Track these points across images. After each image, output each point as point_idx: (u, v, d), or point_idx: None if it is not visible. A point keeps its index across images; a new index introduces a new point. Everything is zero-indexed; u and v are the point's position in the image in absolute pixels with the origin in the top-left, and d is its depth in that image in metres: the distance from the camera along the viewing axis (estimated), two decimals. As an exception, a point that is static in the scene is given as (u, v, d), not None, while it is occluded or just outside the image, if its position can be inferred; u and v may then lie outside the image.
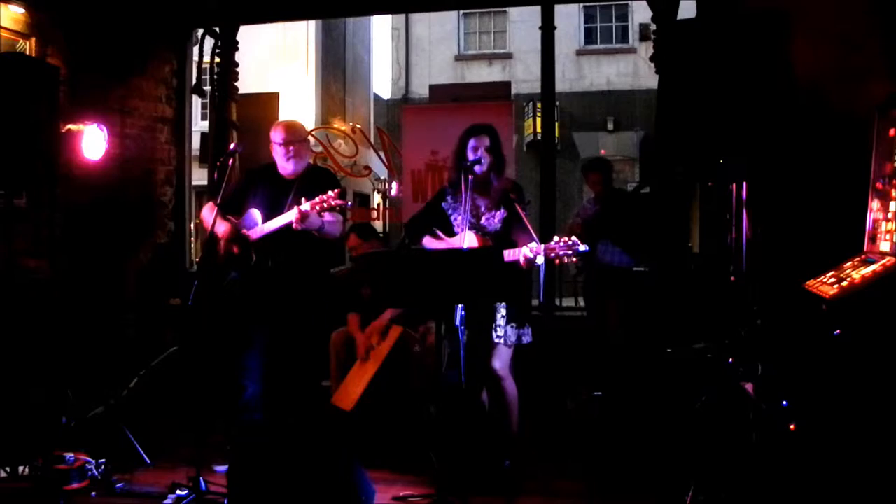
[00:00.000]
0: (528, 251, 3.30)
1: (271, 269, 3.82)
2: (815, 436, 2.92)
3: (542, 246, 3.28)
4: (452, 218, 3.67)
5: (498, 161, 3.63)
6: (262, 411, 3.89)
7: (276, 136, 3.87)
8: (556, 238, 3.28)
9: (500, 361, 3.55)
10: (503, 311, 3.52)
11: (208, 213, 3.88)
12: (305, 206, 3.49)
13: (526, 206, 3.58)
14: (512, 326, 3.53)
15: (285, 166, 3.87)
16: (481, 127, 3.67)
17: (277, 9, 6.28)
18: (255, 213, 3.84)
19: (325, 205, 3.48)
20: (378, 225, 9.46)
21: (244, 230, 3.84)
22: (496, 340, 3.51)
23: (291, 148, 3.83)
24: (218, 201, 3.65)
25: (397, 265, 3.17)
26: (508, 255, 3.35)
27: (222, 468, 3.67)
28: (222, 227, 3.83)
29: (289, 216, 3.59)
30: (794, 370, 3.21)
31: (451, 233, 3.63)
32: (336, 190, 3.49)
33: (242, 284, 3.88)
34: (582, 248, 3.24)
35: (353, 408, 4.32)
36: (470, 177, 3.51)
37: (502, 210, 3.57)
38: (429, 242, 3.65)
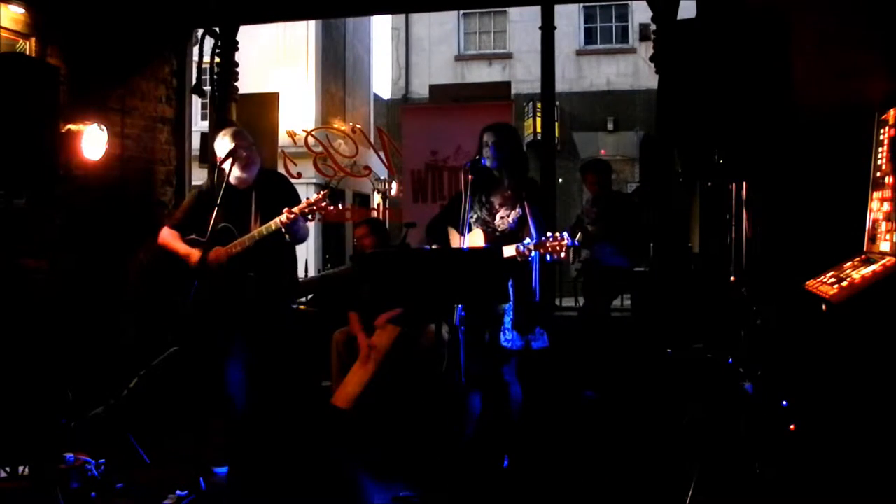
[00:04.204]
0: (521, 245, 3.31)
1: (251, 280, 3.67)
2: (816, 436, 2.92)
3: (533, 241, 3.30)
4: (468, 216, 3.67)
5: (506, 159, 3.59)
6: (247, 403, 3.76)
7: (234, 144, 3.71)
8: (548, 233, 3.29)
9: (506, 366, 3.54)
10: (511, 315, 3.50)
11: (168, 235, 3.83)
12: (295, 209, 3.45)
13: (538, 205, 3.53)
14: (517, 332, 3.50)
15: (241, 175, 3.71)
16: (493, 124, 3.70)
17: (277, 9, 6.28)
18: (229, 228, 3.69)
19: (314, 207, 3.46)
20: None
21: (218, 248, 3.68)
22: (503, 344, 3.50)
23: (245, 154, 3.70)
24: (176, 222, 3.68)
25: (397, 265, 3.17)
26: (506, 251, 3.35)
27: (222, 468, 3.67)
28: (193, 252, 3.70)
29: (275, 223, 3.51)
30: (794, 370, 3.21)
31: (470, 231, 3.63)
32: (324, 192, 3.47)
33: (218, 296, 3.72)
34: (567, 241, 3.24)
35: (352, 408, 4.32)
36: (469, 177, 3.52)
37: (518, 209, 3.55)
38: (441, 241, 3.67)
